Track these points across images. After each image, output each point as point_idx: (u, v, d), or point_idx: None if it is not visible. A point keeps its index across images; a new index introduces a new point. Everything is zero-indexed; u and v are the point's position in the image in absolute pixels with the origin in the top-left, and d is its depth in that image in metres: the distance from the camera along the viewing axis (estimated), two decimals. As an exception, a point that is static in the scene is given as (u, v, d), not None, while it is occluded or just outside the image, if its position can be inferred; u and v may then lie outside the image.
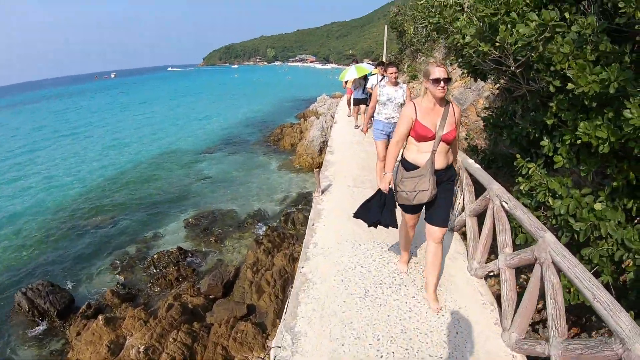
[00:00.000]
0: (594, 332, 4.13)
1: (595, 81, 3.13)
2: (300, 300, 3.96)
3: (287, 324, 3.63)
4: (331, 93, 38.22)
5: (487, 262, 4.42)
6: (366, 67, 13.96)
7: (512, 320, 3.49)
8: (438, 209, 3.79)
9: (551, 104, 3.90)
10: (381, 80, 10.27)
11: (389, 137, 6.60)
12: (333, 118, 18.16)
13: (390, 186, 3.78)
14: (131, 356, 7.18)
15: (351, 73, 13.40)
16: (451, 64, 15.88)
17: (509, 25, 3.68)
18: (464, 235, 5.23)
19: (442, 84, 3.38)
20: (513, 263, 3.67)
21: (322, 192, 6.88)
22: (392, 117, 6.53)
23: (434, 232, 3.83)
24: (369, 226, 4.13)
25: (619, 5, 2.94)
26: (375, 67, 11.24)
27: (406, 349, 3.33)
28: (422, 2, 17.37)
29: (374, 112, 6.84)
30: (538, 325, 4.73)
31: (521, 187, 4.37)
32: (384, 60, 30.21)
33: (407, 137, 3.67)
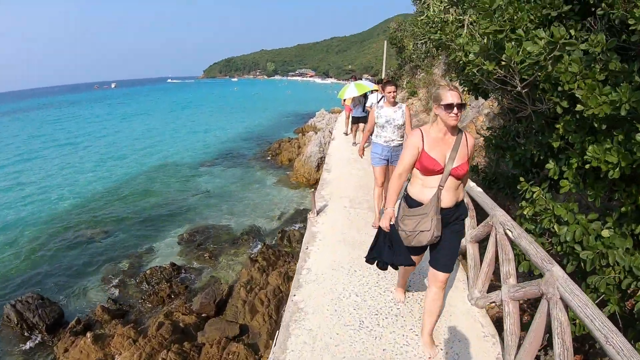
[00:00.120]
0: (598, 360, 3.92)
1: (606, 102, 2.96)
2: (291, 331, 3.73)
3: (275, 357, 3.41)
4: (330, 108, 38.16)
5: (488, 290, 4.22)
6: (366, 84, 13.48)
7: (515, 357, 3.29)
8: (443, 252, 3.40)
9: (558, 126, 3.73)
10: (380, 99, 10.19)
11: (388, 162, 6.25)
12: (331, 134, 18.01)
13: (391, 222, 3.38)
14: (118, 377, 6.95)
15: (351, 91, 12.90)
16: (451, 80, 15.83)
17: (514, 43, 3.48)
18: (463, 255, 5.02)
19: (455, 110, 2.98)
20: (517, 296, 3.46)
21: (318, 213, 6.66)
22: (392, 140, 6.11)
23: (436, 276, 3.46)
24: (383, 269, 3.74)
25: (629, 22, 2.79)
26: (377, 84, 11.07)
27: (402, 387, 3.11)
28: (422, 18, 17.39)
29: (371, 134, 6.46)
30: (539, 351, 4.52)
31: (525, 212, 4.18)
32: (383, 76, 30.29)
33: (412, 169, 3.27)
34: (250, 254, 11.77)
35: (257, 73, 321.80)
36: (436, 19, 5.64)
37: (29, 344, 8.79)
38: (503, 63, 3.59)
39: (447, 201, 3.22)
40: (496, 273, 4.08)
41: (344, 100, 14.88)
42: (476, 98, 5.80)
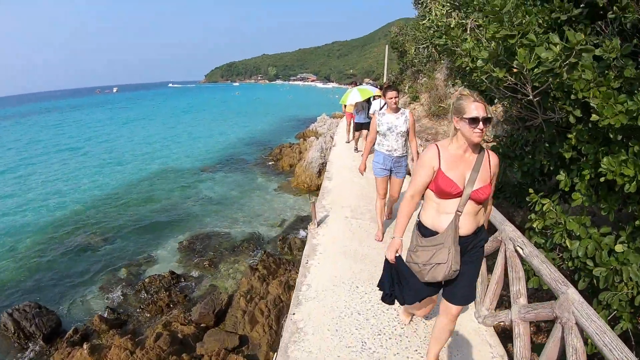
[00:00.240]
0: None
1: (622, 112, 2.79)
2: (289, 354, 3.55)
3: (275, 384, 3.23)
4: (331, 113, 38.00)
5: (497, 307, 4.04)
6: (370, 89, 12.79)
7: (526, 383, 3.10)
8: (459, 284, 2.98)
9: (570, 136, 3.55)
10: (383, 106, 9.96)
11: (391, 172, 5.96)
12: (332, 139, 17.82)
13: (398, 254, 2.99)
14: (115, 390, 6.78)
15: (354, 96, 12.36)
16: (453, 86, 15.66)
17: (526, 49, 3.27)
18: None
19: (480, 125, 2.54)
20: (528, 317, 3.27)
21: (318, 224, 6.46)
22: (395, 150, 5.78)
23: (450, 309, 3.09)
24: (390, 304, 3.30)
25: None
26: (379, 90, 10.78)
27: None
28: (424, 22, 17.23)
29: (373, 145, 6.06)
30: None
31: (534, 225, 4.00)
32: (384, 80, 30.11)
33: (425, 190, 2.88)
34: (251, 262, 11.59)
35: (259, 78, 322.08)
36: (439, 22, 5.44)
37: (25, 354, 8.60)
38: (515, 70, 3.37)
39: (466, 228, 2.81)
40: (505, 289, 3.90)
41: (345, 106, 14.60)
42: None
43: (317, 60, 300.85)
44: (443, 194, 2.75)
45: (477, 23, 4.54)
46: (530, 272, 3.84)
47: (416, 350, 3.59)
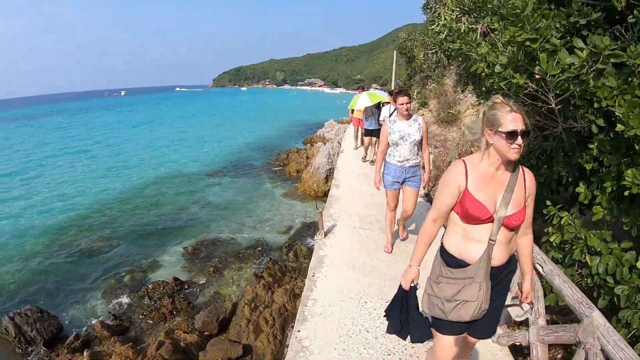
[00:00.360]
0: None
1: (648, 121, 2.62)
2: (294, 376, 3.35)
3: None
4: (338, 118, 37.88)
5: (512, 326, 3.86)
6: (380, 94, 12.32)
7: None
8: (484, 320, 2.54)
9: (591, 146, 3.36)
10: (393, 112, 9.45)
11: (402, 184, 5.53)
12: (340, 145, 17.66)
13: (413, 284, 2.65)
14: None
15: (363, 101, 11.84)
16: (462, 91, 15.46)
17: (548, 54, 3.06)
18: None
19: (519, 140, 2.15)
20: (548, 340, 3.08)
21: (325, 234, 6.23)
22: (407, 160, 5.36)
23: (467, 339, 2.78)
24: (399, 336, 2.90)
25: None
26: (389, 96, 10.36)
27: None
28: (433, 27, 17.06)
29: (384, 156, 5.61)
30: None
31: (551, 239, 3.80)
32: (392, 86, 29.93)
33: (450, 213, 2.48)
34: (256, 269, 11.42)
35: (266, 82, 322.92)
36: (451, 27, 5.24)
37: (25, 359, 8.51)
38: (537, 76, 3.16)
39: (498, 259, 2.41)
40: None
41: (352, 111, 14.31)
42: (493, 111, 5.46)
43: (324, 66, 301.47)
44: (470, 219, 2.35)
45: (492, 27, 4.35)
46: (547, 289, 3.67)
47: (428, 372, 3.40)
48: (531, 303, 2.62)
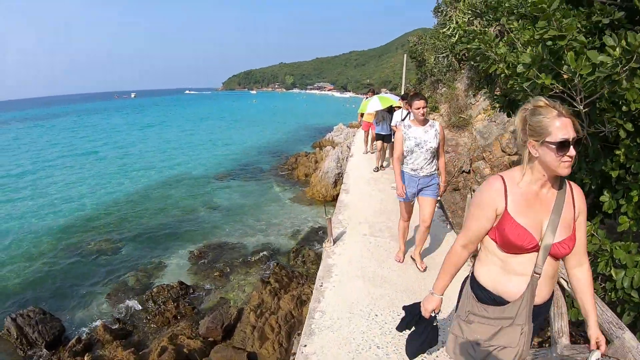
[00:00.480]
0: None
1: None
2: (300, 395, 3.14)
3: None
4: (348, 122, 37.71)
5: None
6: (391, 97, 11.85)
7: None
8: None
9: (618, 152, 3.15)
10: (405, 117, 9.17)
11: (417, 194, 5.16)
12: (349, 149, 17.47)
13: (434, 314, 2.36)
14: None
15: (374, 104, 11.42)
16: (474, 96, 15.24)
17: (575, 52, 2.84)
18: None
19: (571, 151, 1.76)
20: (573, 361, 2.86)
21: (334, 242, 6.00)
22: (422, 169, 4.98)
23: None
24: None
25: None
26: (401, 100, 9.83)
27: None
28: (444, 30, 16.87)
29: (400, 162, 5.16)
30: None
31: None
32: (402, 90, 29.68)
33: (483, 239, 2.09)
34: (262, 274, 11.25)
35: (276, 86, 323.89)
36: (466, 28, 5.03)
37: None
38: (565, 76, 2.90)
39: (542, 295, 2.04)
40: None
41: (362, 115, 14.10)
42: (509, 115, 5.27)
43: (334, 70, 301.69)
44: (511, 248, 1.95)
45: (510, 27, 4.14)
46: (568, 303, 3.46)
47: (443, 393, 3.19)
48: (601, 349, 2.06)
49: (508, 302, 2.01)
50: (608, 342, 2.54)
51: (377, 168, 11.85)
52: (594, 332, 2.09)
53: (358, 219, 7.16)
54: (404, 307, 2.76)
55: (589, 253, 3.40)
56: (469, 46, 4.10)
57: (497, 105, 5.23)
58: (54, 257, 13.40)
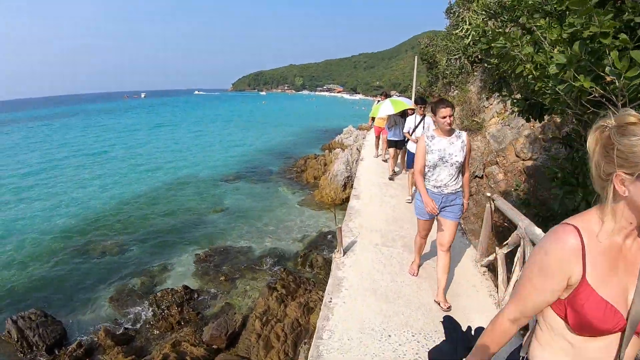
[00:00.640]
0: None
1: None
2: None
3: None
4: (357, 125, 37.46)
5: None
6: (405, 101, 11.03)
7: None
8: None
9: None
10: (420, 122, 8.74)
11: (438, 215, 4.53)
12: (359, 152, 17.18)
13: None
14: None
15: (385, 108, 10.64)
16: (487, 98, 14.91)
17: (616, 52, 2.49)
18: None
19: None
20: None
21: (344, 252, 5.63)
22: (447, 185, 4.39)
23: None
24: None
25: None
26: (416, 104, 9.06)
27: None
28: (456, 32, 16.54)
29: (422, 175, 4.53)
30: None
31: None
32: (413, 93, 29.30)
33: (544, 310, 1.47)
34: (269, 279, 11.00)
35: (285, 87, 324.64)
36: (485, 28, 4.70)
37: None
38: (608, 79, 2.56)
39: None
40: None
41: (373, 119, 13.73)
42: (528, 120, 4.95)
43: (343, 72, 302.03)
44: (590, 330, 1.35)
45: (536, 25, 3.80)
46: None
47: None
48: None
49: None
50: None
51: (392, 176, 11.19)
52: None
53: (369, 227, 6.80)
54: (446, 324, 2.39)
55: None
56: (493, 45, 3.78)
57: (516, 109, 4.93)
58: (58, 258, 13.25)
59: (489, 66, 12.44)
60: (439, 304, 4.53)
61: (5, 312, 9.99)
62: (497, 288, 4.53)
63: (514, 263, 4.07)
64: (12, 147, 38.99)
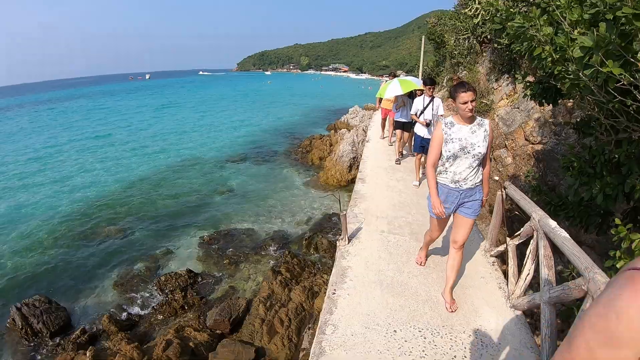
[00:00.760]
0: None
1: None
2: None
3: None
4: (363, 104, 37.11)
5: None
6: (414, 81, 10.34)
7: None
8: None
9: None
10: (428, 103, 8.44)
11: (454, 211, 4.15)
12: (365, 133, 16.96)
13: None
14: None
15: (394, 88, 10.08)
16: (496, 80, 14.62)
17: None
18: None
19: None
20: None
21: (349, 239, 5.45)
22: (466, 180, 3.91)
23: None
24: None
25: None
26: (425, 85, 8.57)
27: None
28: (466, 10, 16.15)
29: (435, 169, 4.08)
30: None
31: (618, 265, 3.03)
32: (419, 73, 28.90)
33: None
34: (273, 262, 10.96)
35: (291, 67, 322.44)
36: (501, 6, 4.44)
37: (29, 353, 8.25)
38: None
39: None
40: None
41: (380, 100, 13.33)
42: (541, 104, 4.75)
43: (349, 51, 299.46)
44: None
45: (554, 4, 3.54)
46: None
47: None
48: None
49: None
50: None
51: (398, 160, 10.80)
52: None
53: (375, 213, 6.58)
54: None
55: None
56: (508, 24, 3.55)
57: (529, 92, 4.72)
58: (62, 243, 13.21)
59: (498, 47, 12.13)
60: (444, 300, 4.28)
61: (10, 298, 10.03)
62: (507, 280, 4.36)
63: (526, 256, 3.90)
64: (17, 133, 38.92)
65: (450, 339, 3.63)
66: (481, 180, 4.07)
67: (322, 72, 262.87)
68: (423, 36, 28.11)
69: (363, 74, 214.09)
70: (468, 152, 3.79)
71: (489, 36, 15.00)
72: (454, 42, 20.35)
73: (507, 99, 12.55)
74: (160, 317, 9.09)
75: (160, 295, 9.84)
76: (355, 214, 6.57)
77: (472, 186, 3.96)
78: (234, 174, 20.92)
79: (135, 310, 9.47)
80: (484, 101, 14.07)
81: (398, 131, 10.55)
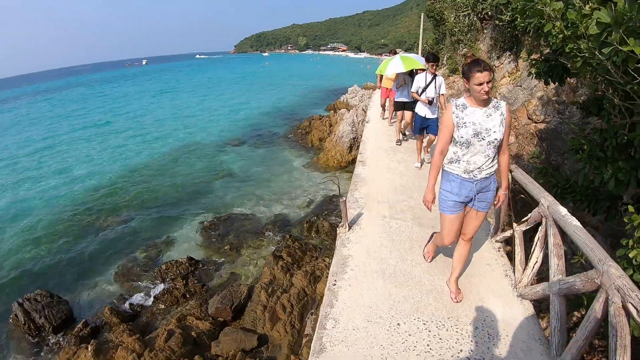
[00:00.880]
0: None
1: None
2: None
3: None
4: (363, 84, 36.81)
5: None
6: (416, 58, 9.78)
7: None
8: None
9: None
10: (430, 81, 7.92)
11: (466, 204, 3.75)
12: (365, 113, 16.74)
13: None
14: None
15: (395, 65, 9.47)
16: (497, 58, 14.37)
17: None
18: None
19: None
20: None
21: (350, 226, 5.30)
22: (480, 169, 3.51)
23: None
24: None
25: None
26: (427, 62, 7.86)
27: None
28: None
29: (443, 157, 3.66)
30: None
31: (631, 255, 2.85)
32: (419, 51, 28.52)
33: None
34: (275, 247, 10.87)
35: (289, 47, 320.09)
36: None
37: (32, 349, 8.25)
38: None
39: None
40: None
41: (380, 78, 12.73)
42: (547, 83, 4.56)
43: (347, 30, 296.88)
44: None
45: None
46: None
47: None
48: None
49: None
50: None
51: (400, 141, 10.39)
52: None
53: (376, 198, 6.39)
54: None
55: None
56: None
57: (534, 71, 4.53)
58: (62, 235, 13.14)
59: (500, 24, 11.84)
60: (449, 289, 4.10)
61: (12, 292, 10.05)
62: (514, 267, 4.22)
63: (534, 244, 3.75)
64: (15, 125, 38.65)
65: (456, 331, 3.49)
66: (496, 170, 3.68)
67: (321, 52, 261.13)
68: (422, 13, 27.74)
69: (362, 53, 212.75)
70: (483, 139, 3.38)
71: (489, 12, 14.70)
72: (454, 19, 20.00)
73: (509, 77, 12.34)
74: (162, 306, 9.05)
75: (161, 284, 9.82)
76: (356, 198, 6.41)
77: (487, 175, 3.57)
78: (234, 158, 20.79)
79: (137, 300, 9.42)
80: (485, 79, 13.83)
81: (399, 112, 9.99)
